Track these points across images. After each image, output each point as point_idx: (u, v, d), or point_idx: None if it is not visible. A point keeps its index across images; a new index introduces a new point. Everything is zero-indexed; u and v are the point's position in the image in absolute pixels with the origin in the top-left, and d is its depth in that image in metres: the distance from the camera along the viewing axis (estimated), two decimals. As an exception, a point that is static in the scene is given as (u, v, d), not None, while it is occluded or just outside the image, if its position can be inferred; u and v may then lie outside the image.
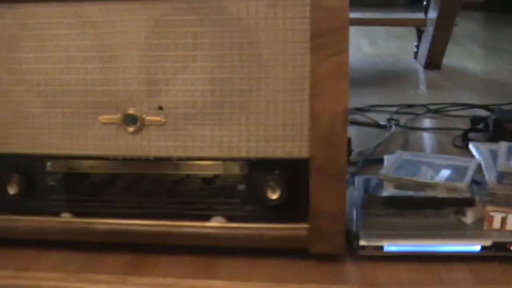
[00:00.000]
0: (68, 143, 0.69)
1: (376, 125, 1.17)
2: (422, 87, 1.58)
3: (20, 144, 0.70)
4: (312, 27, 0.61)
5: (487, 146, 0.80)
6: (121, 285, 0.66)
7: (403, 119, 1.21)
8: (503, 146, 0.73)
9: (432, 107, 1.29)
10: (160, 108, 0.66)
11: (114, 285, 0.66)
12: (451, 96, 1.42)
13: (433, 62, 1.66)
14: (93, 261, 0.70)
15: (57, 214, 0.71)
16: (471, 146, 0.86)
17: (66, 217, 0.71)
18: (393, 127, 1.14)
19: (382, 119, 1.20)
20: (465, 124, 1.16)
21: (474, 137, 1.09)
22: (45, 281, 0.68)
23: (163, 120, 0.66)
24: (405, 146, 1.06)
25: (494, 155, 0.74)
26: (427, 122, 1.22)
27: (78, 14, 0.65)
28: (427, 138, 1.14)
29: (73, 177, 0.70)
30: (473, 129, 1.12)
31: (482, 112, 1.22)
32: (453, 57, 1.82)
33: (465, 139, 1.08)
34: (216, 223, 0.68)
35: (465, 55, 1.93)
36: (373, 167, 0.91)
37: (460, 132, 1.11)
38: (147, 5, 0.64)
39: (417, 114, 1.25)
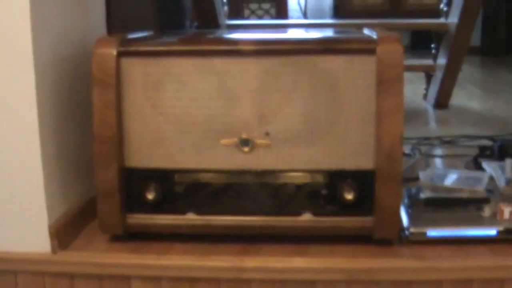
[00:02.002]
0: (195, 160, 1.01)
1: (403, 154, 1.51)
2: (433, 123, 1.94)
3: (158, 161, 1.02)
4: (378, 77, 0.95)
5: (496, 164, 1.14)
6: (240, 262, 0.98)
7: (422, 149, 1.56)
8: (508, 161, 1.08)
9: (445, 139, 1.65)
10: (267, 134, 0.99)
11: (235, 262, 0.98)
12: (459, 129, 1.78)
13: (441, 102, 2.02)
14: (212, 248, 1.02)
15: (184, 213, 1.03)
16: (484, 164, 1.20)
17: (191, 216, 1.03)
18: (417, 154, 1.48)
19: (406, 149, 1.54)
20: (473, 152, 1.51)
21: (482, 161, 1.43)
22: (180, 261, 0.99)
23: (269, 142, 0.99)
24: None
25: (502, 168, 1.08)
26: (442, 151, 1.57)
27: (207, 65, 0.99)
28: (444, 163, 1.48)
29: (197, 186, 1.02)
30: (481, 155, 1.46)
31: (487, 142, 1.58)
32: (457, 98, 2.19)
33: (475, 163, 1.42)
34: (306, 218, 1.01)
35: (467, 96, 2.30)
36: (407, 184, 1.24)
37: (471, 158, 1.46)
38: (259, 59, 0.97)
39: (434, 145, 1.60)
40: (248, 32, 1.44)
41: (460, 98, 2.22)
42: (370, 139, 0.98)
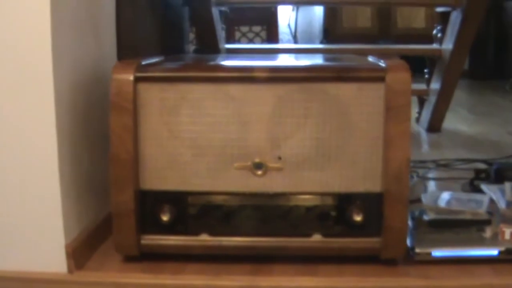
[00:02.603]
0: (209, 183, 1.06)
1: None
2: (426, 146, 2.00)
3: (173, 183, 1.06)
4: (386, 103, 1.01)
5: (495, 186, 1.20)
6: (252, 282, 1.02)
7: (419, 172, 1.61)
8: (508, 184, 1.13)
9: (440, 162, 1.71)
10: (279, 158, 1.04)
11: (248, 282, 1.02)
12: (453, 153, 1.84)
13: (434, 126, 2.09)
14: (225, 268, 1.05)
15: (197, 234, 1.07)
16: (483, 187, 1.25)
17: (204, 237, 1.07)
18: (415, 177, 1.54)
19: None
20: (468, 175, 1.57)
21: (478, 184, 1.49)
22: (194, 280, 1.03)
23: (281, 166, 1.04)
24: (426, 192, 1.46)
25: (502, 191, 1.13)
26: (438, 174, 1.63)
27: (223, 91, 1.03)
28: (441, 186, 1.54)
29: (210, 208, 1.06)
30: (477, 178, 1.52)
31: (481, 165, 1.64)
32: (449, 121, 2.26)
33: (472, 185, 1.48)
34: (315, 239, 1.05)
35: (459, 119, 2.38)
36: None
37: (467, 181, 1.52)
38: (273, 86, 1.03)
39: (429, 168, 1.66)
40: (251, 57, 1.49)
41: (451, 121, 2.29)
42: (378, 163, 1.03)
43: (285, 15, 4.29)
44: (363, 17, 4.26)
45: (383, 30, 4.23)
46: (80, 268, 1.06)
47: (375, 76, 1.02)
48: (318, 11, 4.44)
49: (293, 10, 4.28)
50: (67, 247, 1.04)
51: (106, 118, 1.22)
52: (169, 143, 1.05)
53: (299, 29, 4.34)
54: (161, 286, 1.03)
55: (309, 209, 1.06)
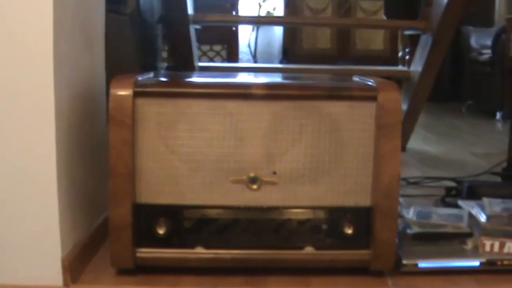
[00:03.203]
0: (205, 196, 1.09)
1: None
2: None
3: (169, 197, 1.09)
4: (377, 121, 1.07)
5: (471, 202, 1.27)
6: (248, 293, 1.05)
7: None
8: (486, 200, 1.21)
9: (411, 180, 1.78)
10: (274, 173, 1.08)
11: (244, 293, 1.05)
12: (420, 171, 1.92)
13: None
14: (220, 280, 1.08)
15: (193, 247, 1.09)
16: (460, 203, 1.33)
17: (199, 249, 1.09)
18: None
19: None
20: (438, 192, 1.64)
21: (449, 200, 1.57)
22: (191, 293, 1.05)
23: (276, 181, 1.08)
24: (401, 208, 1.52)
25: (480, 206, 1.21)
26: (409, 191, 1.70)
27: (220, 107, 1.07)
28: (412, 203, 1.61)
29: (206, 221, 1.09)
30: (448, 195, 1.60)
31: (448, 183, 1.72)
32: (412, 142, 2.36)
33: (443, 202, 1.56)
34: (308, 251, 1.10)
35: (421, 140, 2.48)
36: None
37: (438, 198, 1.60)
38: (269, 103, 1.07)
39: (401, 185, 1.73)
40: (230, 75, 1.54)
41: (415, 141, 2.39)
42: (368, 178, 1.09)
43: (245, 35, 4.37)
44: (323, 38, 4.37)
45: (342, 51, 4.35)
46: (75, 282, 1.07)
47: (367, 96, 1.08)
48: (278, 31, 4.53)
49: (253, 30, 4.36)
50: (63, 260, 1.05)
51: (97, 130, 1.25)
52: (166, 157, 1.08)
53: (258, 49, 4.42)
54: (158, 298, 1.05)
55: (301, 222, 1.10)
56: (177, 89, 1.09)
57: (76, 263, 1.08)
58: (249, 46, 4.35)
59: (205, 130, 1.08)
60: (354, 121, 1.08)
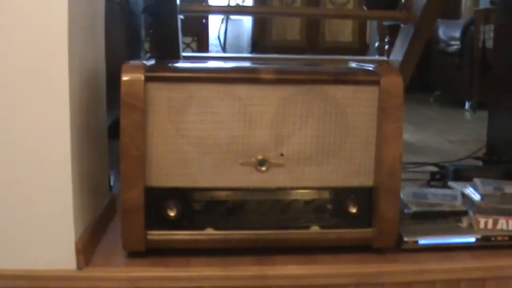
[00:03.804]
0: (214, 179, 1.13)
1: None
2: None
3: (179, 180, 1.12)
4: (380, 105, 1.12)
5: (461, 183, 1.35)
6: (260, 271, 1.10)
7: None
8: (477, 180, 1.28)
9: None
10: (282, 154, 1.13)
11: (256, 271, 1.09)
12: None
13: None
14: (230, 260, 1.13)
15: (203, 229, 1.13)
16: (450, 184, 1.40)
17: (209, 231, 1.13)
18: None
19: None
20: (422, 176, 1.72)
21: (434, 184, 1.64)
22: (205, 272, 1.09)
23: (283, 162, 1.13)
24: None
25: (473, 186, 1.28)
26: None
27: (229, 91, 1.11)
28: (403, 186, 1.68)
29: (215, 203, 1.13)
30: (432, 179, 1.68)
31: (431, 168, 1.79)
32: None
33: (429, 185, 1.63)
34: (313, 231, 1.15)
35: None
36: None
37: (423, 182, 1.67)
38: (277, 87, 1.11)
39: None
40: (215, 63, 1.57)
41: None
42: (371, 160, 1.15)
43: (215, 27, 4.39)
44: (292, 30, 4.43)
45: (312, 43, 4.42)
46: (87, 265, 1.09)
47: (371, 80, 1.13)
48: (247, 23, 4.57)
49: (222, 22, 4.39)
50: (76, 243, 1.07)
51: (99, 116, 1.27)
52: (176, 141, 1.12)
53: (228, 41, 4.45)
54: (173, 278, 1.08)
55: (307, 202, 1.15)
56: (187, 74, 1.12)
57: (88, 246, 1.11)
58: (218, 38, 4.38)
59: (214, 114, 1.12)
60: (358, 104, 1.13)
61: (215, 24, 4.39)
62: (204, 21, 4.07)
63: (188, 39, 4.05)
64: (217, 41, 4.37)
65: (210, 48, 4.27)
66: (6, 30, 1.00)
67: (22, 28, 1.01)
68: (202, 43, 4.09)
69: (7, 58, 1.01)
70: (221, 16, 4.28)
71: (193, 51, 4.03)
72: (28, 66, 1.02)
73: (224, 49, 4.39)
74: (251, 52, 4.38)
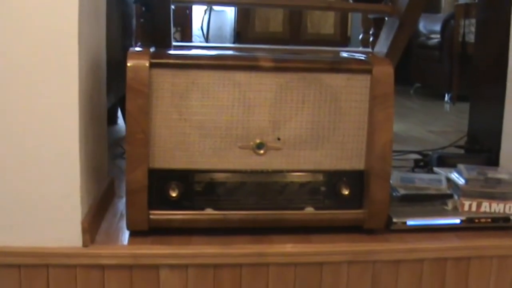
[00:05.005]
0: (214, 161, 1.19)
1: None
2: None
3: (180, 162, 1.18)
4: (371, 92, 1.19)
5: (445, 169, 1.42)
6: (258, 249, 1.16)
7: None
8: (461, 166, 1.36)
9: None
10: (279, 139, 1.19)
11: (255, 249, 1.16)
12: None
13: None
14: (229, 239, 1.19)
15: (203, 209, 1.19)
16: (435, 169, 1.48)
17: (209, 211, 1.19)
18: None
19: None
20: (406, 164, 1.80)
21: (418, 171, 1.72)
22: (206, 249, 1.15)
23: (280, 146, 1.20)
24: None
25: (458, 171, 1.36)
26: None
27: (229, 78, 1.17)
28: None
29: (215, 184, 1.19)
30: (416, 166, 1.76)
31: (414, 156, 1.87)
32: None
33: (413, 172, 1.71)
34: (308, 212, 1.21)
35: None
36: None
37: (407, 169, 1.75)
38: (275, 75, 1.18)
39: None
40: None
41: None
42: (363, 144, 1.22)
43: (198, 18, 4.44)
44: (275, 22, 4.50)
45: (294, 35, 4.49)
46: (92, 243, 1.15)
47: (363, 69, 1.20)
48: (230, 15, 4.63)
49: (205, 13, 4.44)
50: (82, 222, 1.12)
51: (100, 100, 1.32)
52: (178, 125, 1.17)
53: (211, 32, 4.50)
54: (175, 255, 1.14)
55: (302, 185, 1.22)
56: (190, 60, 1.18)
57: (92, 225, 1.16)
58: (201, 29, 4.43)
59: (215, 99, 1.17)
60: (351, 92, 1.20)
61: (198, 15, 4.44)
62: (187, 11, 4.11)
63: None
64: (200, 32, 4.42)
65: (193, 39, 4.32)
66: (20, 15, 1.05)
67: (34, 11, 1.05)
68: (186, 34, 4.13)
69: (21, 42, 1.06)
70: (204, 7, 4.33)
71: (177, 41, 4.06)
72: (39, 49, 1.06)
73: (207, 39, 4.44)
74: (233, 43, 4.44)
